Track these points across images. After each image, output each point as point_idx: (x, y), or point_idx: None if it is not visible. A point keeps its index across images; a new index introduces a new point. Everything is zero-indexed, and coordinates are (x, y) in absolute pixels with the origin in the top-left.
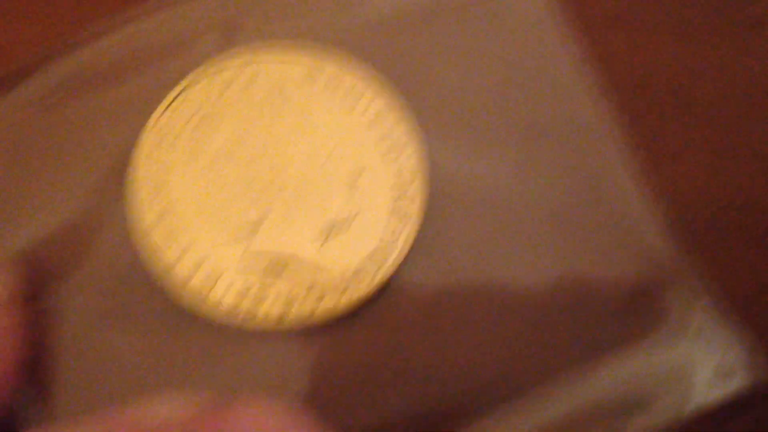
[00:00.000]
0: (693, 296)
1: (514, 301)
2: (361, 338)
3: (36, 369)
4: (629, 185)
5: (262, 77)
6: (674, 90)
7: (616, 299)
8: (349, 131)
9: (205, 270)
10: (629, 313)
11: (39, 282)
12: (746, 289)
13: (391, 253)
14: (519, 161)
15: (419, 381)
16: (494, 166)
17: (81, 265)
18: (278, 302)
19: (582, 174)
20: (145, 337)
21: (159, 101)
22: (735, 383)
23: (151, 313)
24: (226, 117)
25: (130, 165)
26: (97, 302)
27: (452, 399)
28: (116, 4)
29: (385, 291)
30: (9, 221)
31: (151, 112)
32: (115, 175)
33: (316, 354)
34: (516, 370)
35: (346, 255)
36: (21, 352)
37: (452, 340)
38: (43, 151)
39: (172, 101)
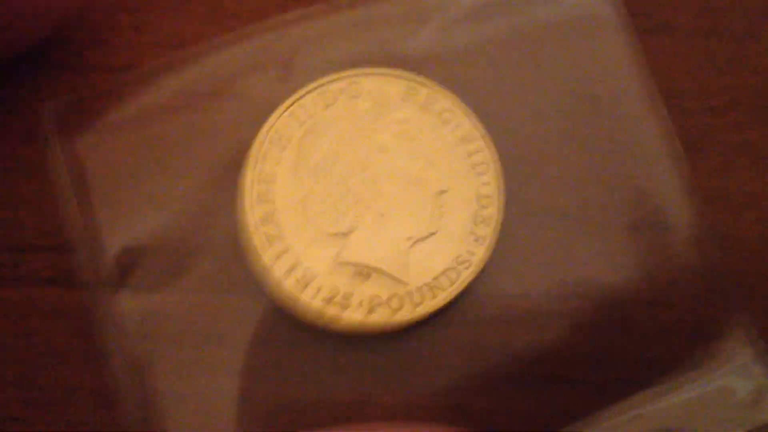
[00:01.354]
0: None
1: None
2: (438, 340)
3: None
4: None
5: (366, 92)
6: None
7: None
8: (439, 150)
9: (296, 274)
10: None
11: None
12: None
13: (465, 272)
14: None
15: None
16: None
17: (188, 260)
18: (361, 309)
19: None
20: (239, 329)
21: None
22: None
23: (247, 309)
24: (331, 128)
25: (243, 169)
26: (198, 295)
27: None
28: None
29: (459, 302)
30: (125, 216)
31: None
32: (229, 176)
33: (389, 357)
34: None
35: (424, 270)
36: None
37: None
38: (165, 151)
39: (284, 111)
